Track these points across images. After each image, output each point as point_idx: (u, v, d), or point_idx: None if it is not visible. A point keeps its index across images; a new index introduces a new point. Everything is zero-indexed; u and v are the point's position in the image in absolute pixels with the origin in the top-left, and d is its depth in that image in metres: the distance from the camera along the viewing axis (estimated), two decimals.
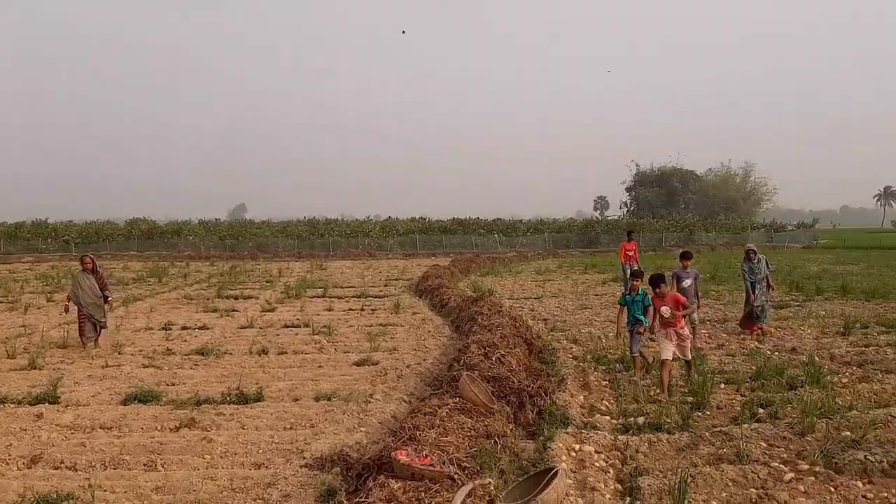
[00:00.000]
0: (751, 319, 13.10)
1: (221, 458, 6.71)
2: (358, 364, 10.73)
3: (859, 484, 5.75)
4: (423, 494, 4.47)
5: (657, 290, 8.96)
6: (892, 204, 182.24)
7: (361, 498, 4.47)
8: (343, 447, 6.62)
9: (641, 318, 9.42)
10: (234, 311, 17.37)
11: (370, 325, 14.63)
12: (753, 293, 13.00)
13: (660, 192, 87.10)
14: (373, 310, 17.59)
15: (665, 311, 8.65)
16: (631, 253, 20.07)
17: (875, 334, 12.84)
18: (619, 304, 10.13)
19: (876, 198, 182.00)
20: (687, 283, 11.42)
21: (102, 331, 12.78)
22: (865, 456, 6.12)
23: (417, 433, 5.88)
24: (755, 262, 13.26)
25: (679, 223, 67.91)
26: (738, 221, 74.66)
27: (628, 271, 18.91)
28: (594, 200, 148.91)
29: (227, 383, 9.42)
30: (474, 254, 47.14)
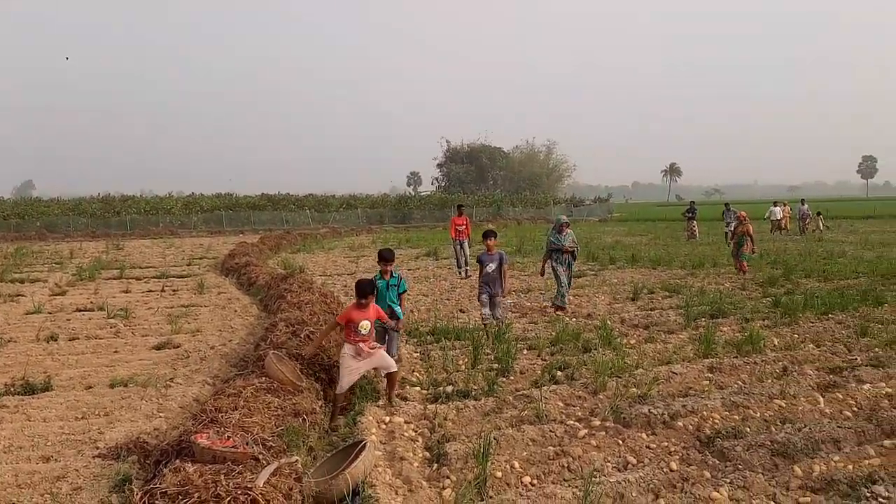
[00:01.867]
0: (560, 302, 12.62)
1: (5, 453, 6.10)
2: (158, 347, 10.16)
3: (644, 435, 6.24)
4: (221, 477, 4.27)
5: (362, 301, 6.99)
6: (677, 179, 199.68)
7: (154, 485, 4.20)
8: (140, 434, 6.25)
9: (398, 309, 8.10)
10: (19, 295, 15.84)
11: (171, 307, 13.90)
12: (546, 263, 12.74)
13: (470, 168, 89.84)
14: (175, 290, 16.72)
15: (365, 325, 6.96)
16: (462, 228, 19.15)
17: (659, 298, 14.01)
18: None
19: (663, 173, 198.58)
20: (490, 267, 10.19)
21: None
22: (649, 410, 6.65)
23: (220, 415, 5.64)
24: (564, 235, 12.70)
25: (488, 199, 70.47)
26: (542, 196, 78.74)
27: (457, 247, 18.95)
28: (407, 176, 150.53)
29: (10, 373, 8.59)
30: (285, 230, 46.31)
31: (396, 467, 5.56)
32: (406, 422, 6.68)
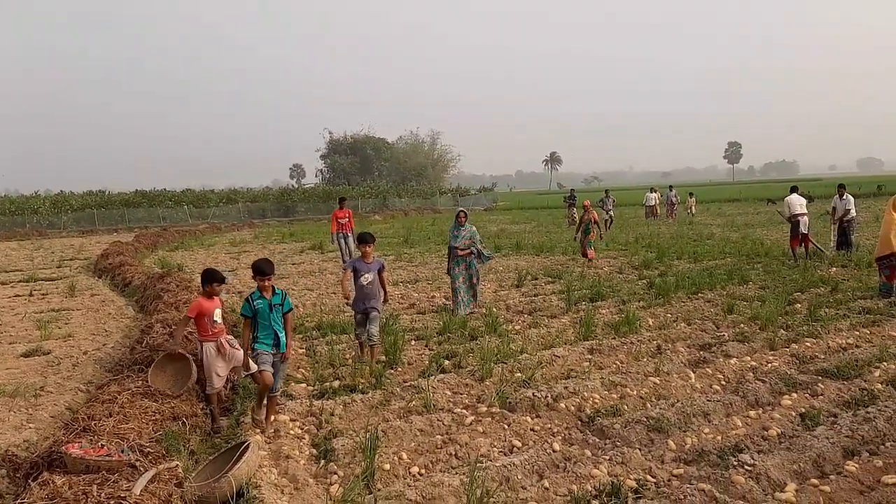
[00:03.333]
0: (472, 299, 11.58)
1: None
2: (26, 355, 9.55)
3: (528, 419, 6.38)
4: (93, 487, 4.07)
5: (208, 288, 6.60)
6: (558, 168, 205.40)
7: (22, 500, 3.94)
8: (9, 447, 5.87)
9: (282, 333, 6.45)
10: None
11: (41, 312, 13.10)
12: (451, 264, 11.52)
13: (354, 159, 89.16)
14: (44, 294, 15.78)
15: (218, 314, 6.58)
16: (344, 221, 18.29)
17: (543, 284, 14.37)
18: (243, 315, 6.44)
19: (544, 162, 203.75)
20: (367, 279, 8.27)
21: None
22: (533, 393, 6.82)
23: (93, 423, 5.37)
24: (463, 229, 11.63)
25: (374, 190, 70.15)
26: (428, 187, 79.15)
27: (342, 242, 18.23)
28: (290, 169, 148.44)
29: None
30: (162, 228, 44.62)
31: (282, 466, 5.46)
32: (291, 419, 6.56)
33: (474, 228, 11.84)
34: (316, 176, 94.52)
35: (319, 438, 6.11)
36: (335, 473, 5.36)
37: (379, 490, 5.01)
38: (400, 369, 8.27)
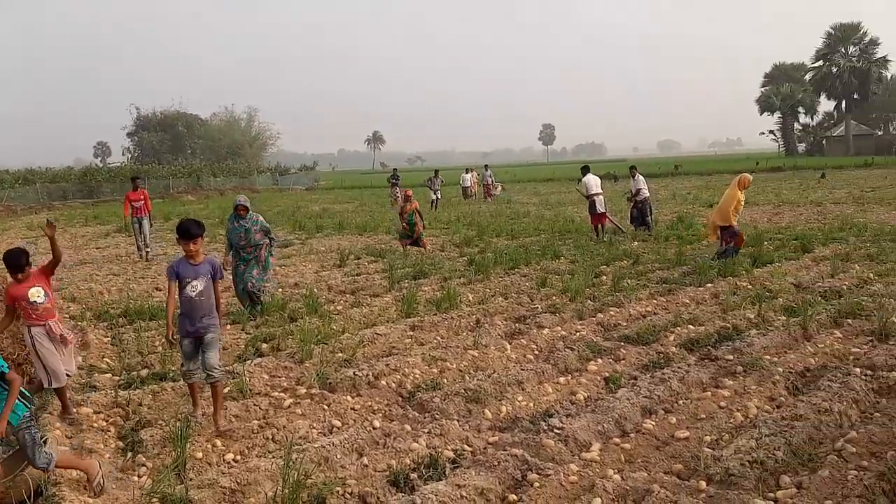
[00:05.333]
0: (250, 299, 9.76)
1: None
2: None
3: (349, 398, 6.34)
4: None
5: (17, 276, 5.71)
6: (381, 147, 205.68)
7: None
8: None
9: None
10: None
11: None
12: (230, 260, 9.68)
13: (164, 136, 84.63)
14: None
15: (36, 293, 5.73)
16: (139, 204, 16.17)
17: (366, 263, 14.34)
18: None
19: (367, 142, 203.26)
20: (195, 287, 5.73)
21: None
22: (354, 372, 6.78)
23: None
24: (247, 219, 9.57)
25: (186, 169, 66.86)
26: (245, 166, 76.50)
27: (136, 227, 16.40)
28: (94, 147, 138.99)
29: None
30: None
31: (85, 461, 5.06)
32: (95, 412, 6.11)
33: (261, 218, 9.87)
34: (123, 154, 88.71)
35: (126, 430, 5.75)
36: (143, 465, 5.06)
37: (191, 479, 4.77)
38: None
